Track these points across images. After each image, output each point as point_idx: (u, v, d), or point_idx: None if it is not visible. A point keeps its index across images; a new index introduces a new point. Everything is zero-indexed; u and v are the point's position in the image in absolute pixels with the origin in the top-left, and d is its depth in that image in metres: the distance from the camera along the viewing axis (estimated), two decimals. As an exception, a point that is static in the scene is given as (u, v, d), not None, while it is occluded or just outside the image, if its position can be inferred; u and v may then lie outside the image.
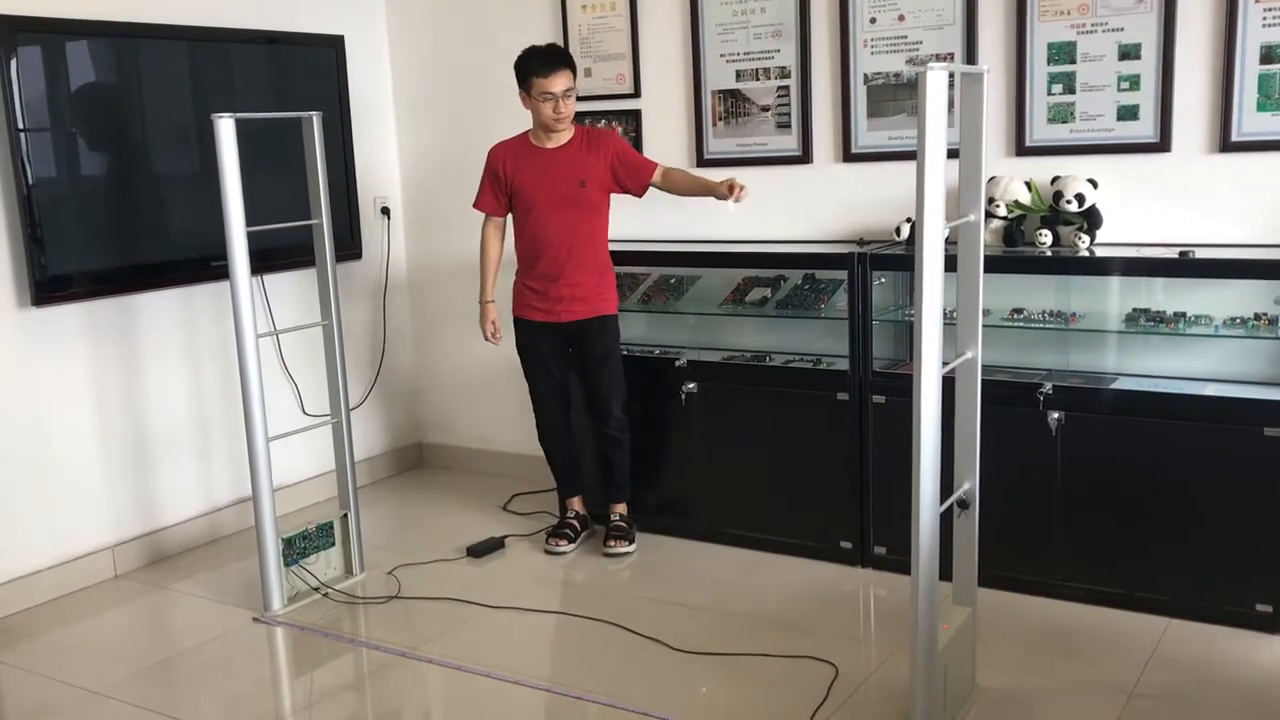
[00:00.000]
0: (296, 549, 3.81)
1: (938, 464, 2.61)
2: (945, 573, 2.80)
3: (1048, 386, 3.50)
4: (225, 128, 3.44)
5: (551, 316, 4.02)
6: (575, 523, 4.25)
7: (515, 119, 4.18)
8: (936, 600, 2.67)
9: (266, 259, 4.14)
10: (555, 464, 4.29)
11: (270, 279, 4.46)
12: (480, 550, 4.19)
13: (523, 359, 4.16)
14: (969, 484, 2.91)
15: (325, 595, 3.82)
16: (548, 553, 4.17)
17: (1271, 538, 3.27)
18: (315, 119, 3.76)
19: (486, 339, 4.16)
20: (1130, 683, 3.06)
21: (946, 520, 2.77)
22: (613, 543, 4.13)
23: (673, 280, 4.38)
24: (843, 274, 3.87)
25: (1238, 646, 3.24)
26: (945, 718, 2.79)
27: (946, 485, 2.74)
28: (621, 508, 4.22)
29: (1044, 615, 3.48)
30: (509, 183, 3.99)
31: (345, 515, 3.96)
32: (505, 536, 4.31)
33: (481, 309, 4.14)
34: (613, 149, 3.98)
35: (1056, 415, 3.48)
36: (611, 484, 4.22)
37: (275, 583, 3.71)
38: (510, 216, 4.09)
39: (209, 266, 4.08)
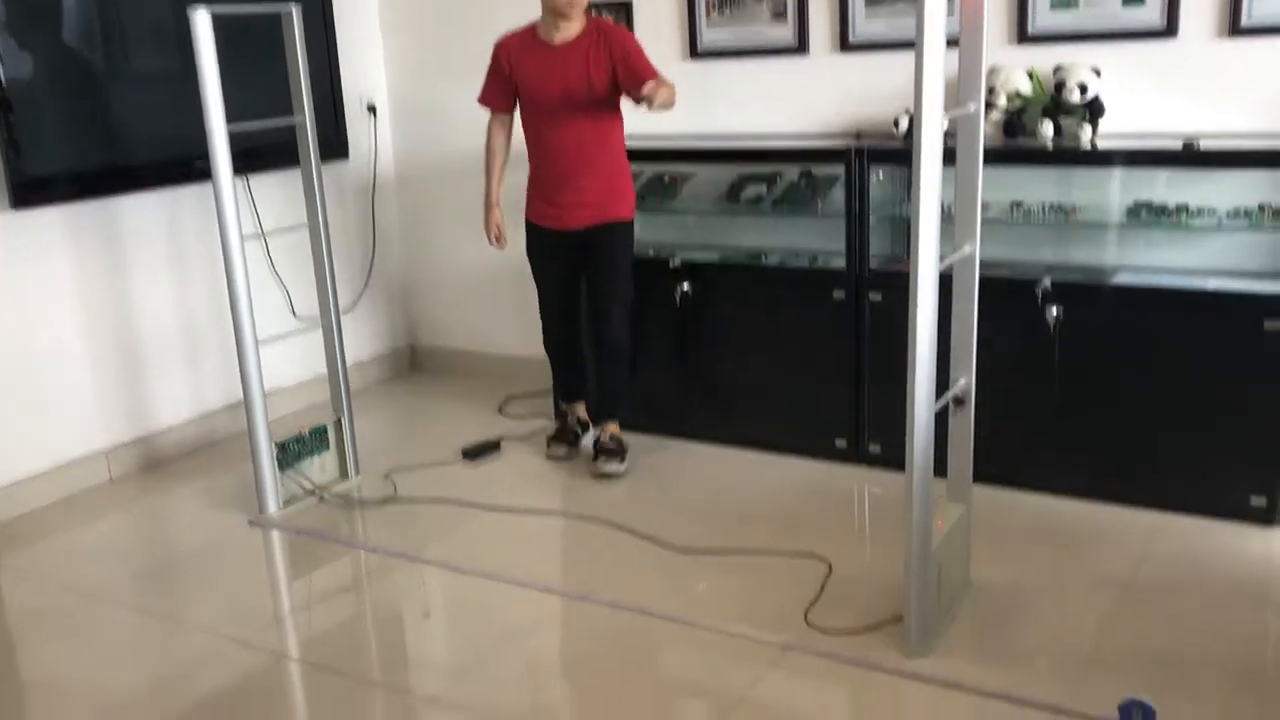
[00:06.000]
0: (291, 453, 3.80)
1: (934, 362, 2.58)
2: (940, 469, 2.79)
3: (1046, 281, 3.46)
4: (201, 20, 3.33)
5: (558, 223, 3.85)
6: (576, 428, 4.21)
7: (509, 9, 4.04)
8: (931, 497, 2.66)
9: (251, 159, 4.05)
10: (560, 369, 4.20)
11: (257, 181, 4.38)
12: (475, 453, 4.18)
13: (531, 263, 4.02)
14: (965, 381, 2.89)
15: (321, 499, 3.82)
16: (549, 458, 4.14)
17: (1267, 431, 3.25)
18: (295, 11, 3.64)
19: (491, 243, 4.01)
20: (1124, 576, 3.07)
21: (942, 417, 2.75)
22: (603, 459, 3.93)
23: (666, 179, 4.30)
24: (840, 169, 3.79)
25: (1232, 539, 3.25)
26: (939, 613, 2.81)
27: (942, 382, 2.71)
28: (614, 427, 4.03)
29: (1039, 510, 3.49)
30: (513, 78, 3.79)
31: (339, 419, 3.94)
32: (500, 439, 4.30)
33: (485, 212, 3.97)
34: (620, 48, 3.67)
35: (1055, 311, 3.44)
36: (606, 398, 4.05)
37: (270, 486, 3.71)
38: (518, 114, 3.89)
39: (192, 166, 4.00)
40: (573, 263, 3.93)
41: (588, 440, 4.18)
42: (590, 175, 3.79)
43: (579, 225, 3.83)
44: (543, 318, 4.09)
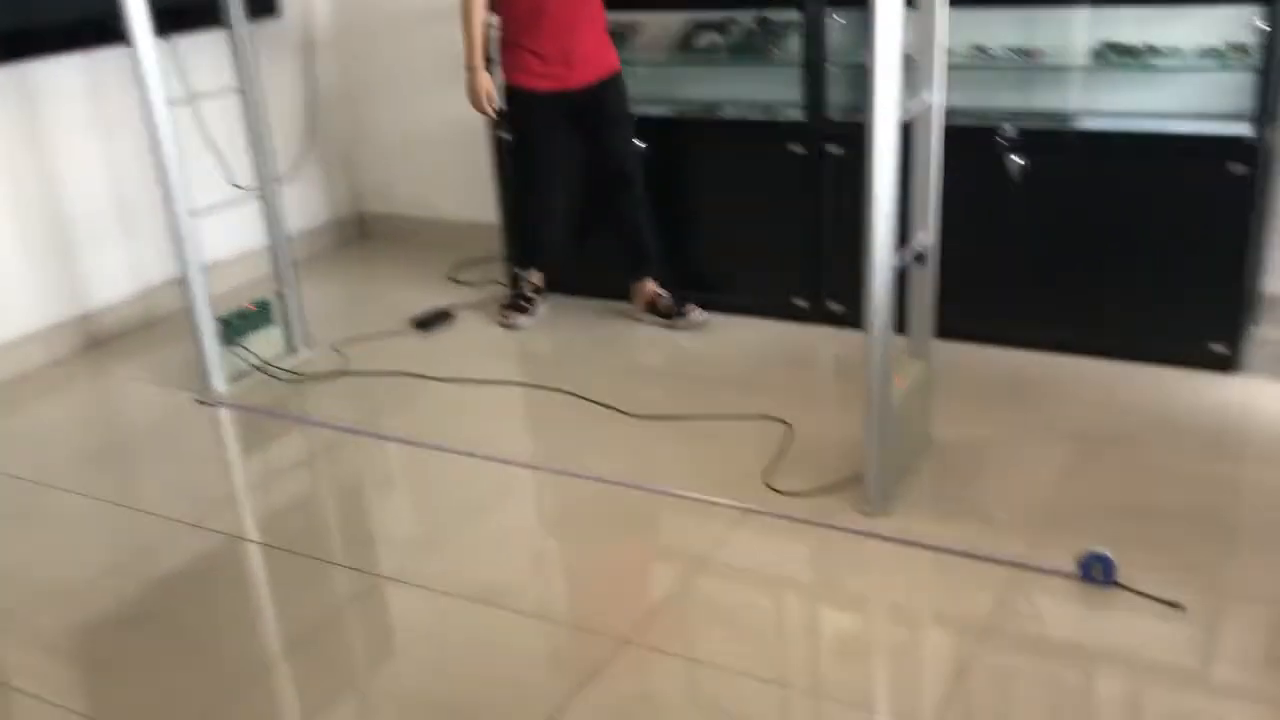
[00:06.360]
0: (234, 328, 3.68)
1: (894, 216, 2.49)
2: (901, 326, 2.73)
3: (1009, 129, 3.35)
4: None
5: (562, 83, 3.69)
6: (532, 294, 4.10)
7: None
8: (891, 355, 2.61)
9: (177, 18, 3.82)
10: (540, 236, 4.05)
11: (186, 42, 4.13)
12: (427, 322, 4.08)
13: (522, 131, 3.84)
14: (926, 237, 2.80)
15: (268, 374, 3.72)
16: (502, 325, 4.04)
17: (1230, 277, 3.21)
18: None
19: (481, 111, 3.79)
20: (1086, 428, 3.06)
21: (902, 273, 2.68)
22: (690, 312, 3.87)
23: (615, 29, 4.09)
24: (797, 14, 3.62)
25: (1192, 388, 3.24)
26: (900, 471, 2.78)
27: (903, 237, 2.63)
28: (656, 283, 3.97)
29: (1000, 365, 3.46)
30: None
31: (282, 292, 3.81)
32: (452, 307, 4.19)
33: (471, 76, 3.73)
34: None
35: (1018, 159, 3.34)
36: (644, 255, 3.92)
37: (215, 364, 3.60)
38: None
39: (110, 27, 3.75)
40: (572, 123, 3.79)
41: (542, 310, 4.10)
42: (587, 30, 3.69)
43: (583, 82, 3.70)
44: (533, 185, 3.93)
